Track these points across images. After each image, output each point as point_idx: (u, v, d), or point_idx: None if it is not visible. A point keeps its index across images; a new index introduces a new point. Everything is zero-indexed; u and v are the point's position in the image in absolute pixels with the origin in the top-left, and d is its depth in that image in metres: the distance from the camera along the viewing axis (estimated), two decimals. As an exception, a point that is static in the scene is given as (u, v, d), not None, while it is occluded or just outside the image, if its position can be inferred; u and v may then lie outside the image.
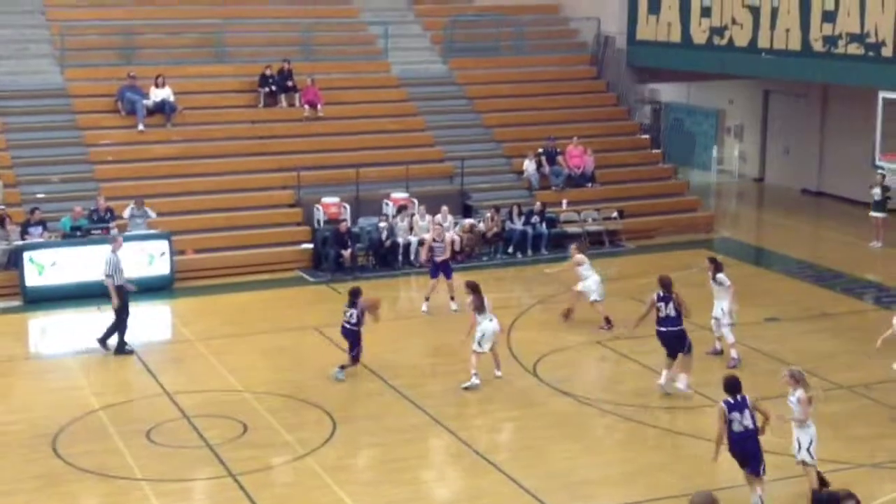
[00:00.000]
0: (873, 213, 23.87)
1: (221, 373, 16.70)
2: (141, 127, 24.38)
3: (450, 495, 13.11)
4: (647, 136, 28.35)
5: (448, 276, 19.67)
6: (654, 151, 27.97)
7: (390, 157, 25.08)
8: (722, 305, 16.56)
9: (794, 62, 24.27)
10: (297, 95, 26.03)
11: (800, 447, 12.09)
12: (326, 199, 23.41)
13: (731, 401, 11.79)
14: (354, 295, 16.51)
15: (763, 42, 24.79)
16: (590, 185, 25.94)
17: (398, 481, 13.09)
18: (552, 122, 27.06)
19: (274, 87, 25.80)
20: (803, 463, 12.13)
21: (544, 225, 24.06)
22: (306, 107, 25.82)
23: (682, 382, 15.31)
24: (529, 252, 23.67)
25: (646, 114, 30.15)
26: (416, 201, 23.62)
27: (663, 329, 15.31)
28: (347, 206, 23.38)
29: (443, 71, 28.27)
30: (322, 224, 23.06)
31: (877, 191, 23.48)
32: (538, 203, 24.21)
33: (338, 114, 26.13)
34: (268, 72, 25.77)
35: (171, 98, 24.74)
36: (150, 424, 14.49)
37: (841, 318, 19.13)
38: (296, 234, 23.15)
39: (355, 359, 16.37)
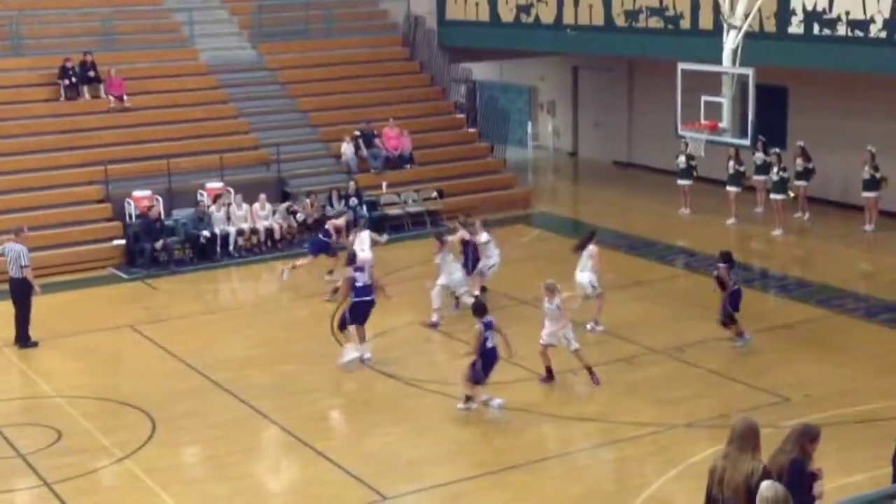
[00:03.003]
0: (680, 181, 24.78)
1: (32, 378, 16.04)
2: (-67, 125, 23.13)
3: (278, 487, 12.96)
4: (462, 116, 28.61)
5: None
6: (470, 130, 28.25)
7: (203, 146, 24.54)
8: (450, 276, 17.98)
9: (599, 37, 24.88)
10: (100, 87, 25.16)
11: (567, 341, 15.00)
12: (137, 193, 22.73)
13: (486, 321, 13.96)
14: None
15: (568, 18, 25.31)
16: (408, 166, 26.02)
17: (224, 477, 12.86)
18: (368, 105, 27.00)
19: (75, 79, 24.87)
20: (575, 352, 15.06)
21: (364, 208, 24.00)
22: (111, 98, 24.98)
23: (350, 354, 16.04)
24: (351, 236, 23.50)
25: (460, 93, 30.39)
26: (231, 190, 23.21)
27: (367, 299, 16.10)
28: (160, 199, 22.76)
29: (252, 56, 27.80)
30: (134, 218, 22.40)
31: (682, 159, 24.38)
32: (352, 185, 24.09)
33: (145, 104, 25.36)
34: (68, 64, 24.81)
35: (-35, 94, 23.54)
36: (-44, 438, 13.78)
37: (654, 284, 19.77)
38: (106, 231, 22.38)
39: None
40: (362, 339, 16.18)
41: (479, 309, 14.20)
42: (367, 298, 16.04)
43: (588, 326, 17.07)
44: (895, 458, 9.25)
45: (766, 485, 7.20)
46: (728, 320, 16.16)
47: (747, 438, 7.90)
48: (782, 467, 8.31)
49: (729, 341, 16.49)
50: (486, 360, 13.99)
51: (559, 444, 13.56)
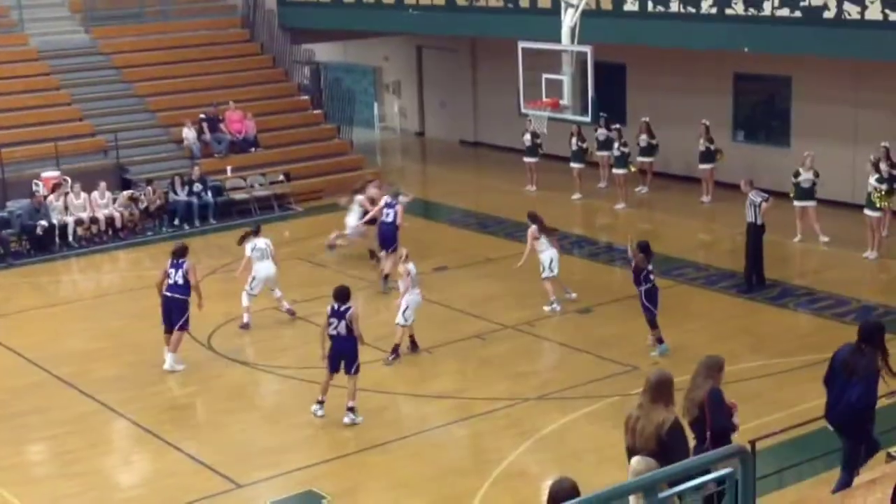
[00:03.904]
0: (526, 159, 25.20)
1: None
2: None
3: (128, 481, 12.71)
4: (307, 97, 28.41)
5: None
6: (315, 112, 28.08)
7: (37, 134, 23.76)
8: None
9: (440, 17, 25.05)
10: (-77, 74, 24.08)
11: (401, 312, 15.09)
12: (-32, 185, 21.88)
13: (335, 307, 13.24)
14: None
15: (410, -2, 25.41)
16: (253, 149, 25.74)
17: (71, 474, 12.57)
18: (208, 88, 26.57)
19: None
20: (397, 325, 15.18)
21: (210, 193, 23.62)
22: (-64, 86, 23.95)
23: (168, 362, 15.34)
24: (197, 223, 23.19)
25: (304, 74, 30.13)
26: (68, 179, 22.54)
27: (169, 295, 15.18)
28: (-7, 190, 21.97)
29: (86, 41, 27.00)
30: (-35, 211, 21.55)
31: (527, 137, 24.79)
32: (196, 170, 23.67)
33: (-27, 92, 24.42)
34: None
35: None
36: None
37: (504, 261, 20.04)
38: (-64, 225, 21.49)
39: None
40: (169, 344, 15.21)
41: (336, 293, 13.41)
42: (169, 295, 15.04)
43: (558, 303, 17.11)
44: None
45: (636, 459, 7.47)
46: (651, 318, 15.03)
47: (659, 389, 8.20)
48: (701, 400, 8.76)
49: (577, 314, 16.93)
50: (331, 346, 13.39)
51: (414, 422, 13.67)
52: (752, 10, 19.19)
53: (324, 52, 32.08)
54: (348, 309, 13.25)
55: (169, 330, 15.28)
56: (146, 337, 16.60)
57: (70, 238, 21.81)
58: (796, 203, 20.04)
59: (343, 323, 13.20)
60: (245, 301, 16.89)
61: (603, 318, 16.82)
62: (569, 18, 17.59)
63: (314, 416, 13.57)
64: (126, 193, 22.89)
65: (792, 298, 17.42)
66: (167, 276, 15.18)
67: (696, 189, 23.49)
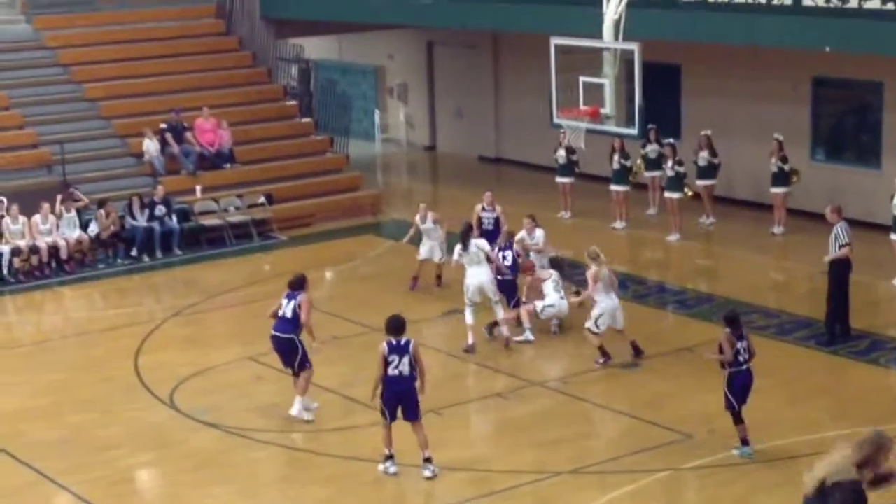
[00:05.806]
0: (559, 179, 25.26)
1: None
2: None
3: (70, 569, 12.75)
4: (294, 102, 28.62)
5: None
6: (304, 120, 28.29)
7: (-33, 145, 24.07)
8: None
9: (456, 6, 25.24)
10: None
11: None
12: None
13: (393, 342, 13.26)
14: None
15: (419, -16, 25.65)
16: (228, 165, 25.89)
17: (2, 559, 12.60)
18: (175, 91, 26.85)
19: None
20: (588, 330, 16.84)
21: (174, 218, 23.74)
22: None
23: (295, 407, 15.51)
24: (159, 254, 23.30)
25: (291, 75, 30.39)
26: (4, 199, 22.71)
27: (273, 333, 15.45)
28: (-88, 213, 22.14)
29: (27, 32, 27.37)
30: None
31: (561, 153, 24.86)
32: (159, 190, 23.77)
33: None
34: None
35: None
36: None
37: (530, 303, 20.08)
38: None
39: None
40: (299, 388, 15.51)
41: (392, 326, 13.43)
42: (274, 334, 15.31)
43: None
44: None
45: None
46: (731, 412, 14.08)
47: (861, 446, 8.57)
48: None
49: (620, 369, 16.92)
50: (386, 390, 13.40)
51: (423, 499, 13.66)
52: (835, 1, 19.27)
53: (315, 48, 32.33)
54: (409, 341, 13.34)
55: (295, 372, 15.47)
56: (94, 392, 16.68)
57: (5, 271, 21.94)
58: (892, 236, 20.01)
59: (406, 359, 13.23)
60: (468, 318, 17.45)
61: (651, 374, 16.80)
62: (612, 10, 17.69)
63: (386, 474, 13.64)
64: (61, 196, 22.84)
65: (883, 353, 17.38)
66: (280, 307, 15.37)
67: (767, 218, 23.51)
